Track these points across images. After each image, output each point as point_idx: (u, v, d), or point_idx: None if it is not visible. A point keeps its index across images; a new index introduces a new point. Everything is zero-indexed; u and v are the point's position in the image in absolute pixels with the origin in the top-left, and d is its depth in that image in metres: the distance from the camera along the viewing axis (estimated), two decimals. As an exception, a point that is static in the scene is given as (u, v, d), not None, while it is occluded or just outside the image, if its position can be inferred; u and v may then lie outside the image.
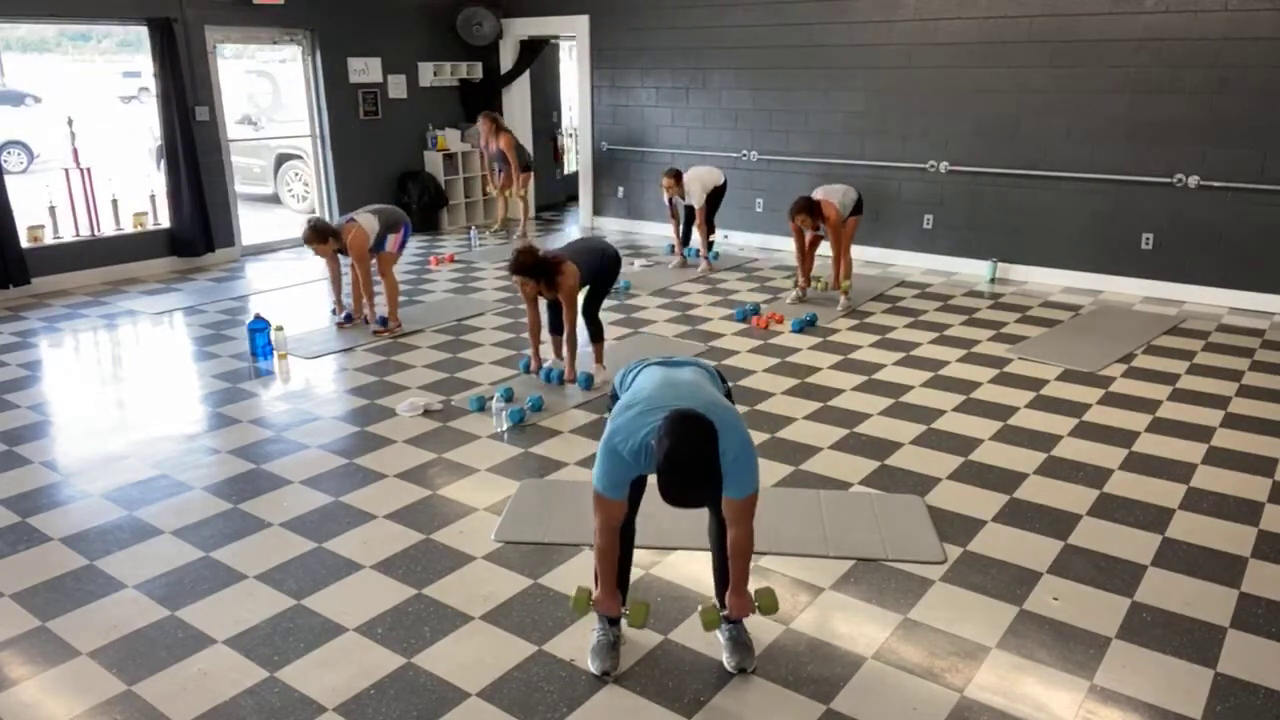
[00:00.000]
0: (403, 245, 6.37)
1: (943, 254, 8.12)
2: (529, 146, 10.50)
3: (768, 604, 2.78)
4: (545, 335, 5.43)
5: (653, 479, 2.53)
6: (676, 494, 2.41)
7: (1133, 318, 6.62)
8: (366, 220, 6.13)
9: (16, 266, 7.29)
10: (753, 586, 2.85)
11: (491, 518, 3.81)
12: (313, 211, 9.91)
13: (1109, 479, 4.12)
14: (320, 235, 6.11)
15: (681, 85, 9.17)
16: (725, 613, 2.80)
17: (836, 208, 6.58)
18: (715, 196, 7.96)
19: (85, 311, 7.00)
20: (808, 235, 6.80)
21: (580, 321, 5.26)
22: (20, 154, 15.27)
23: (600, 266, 5.19)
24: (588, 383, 5.21)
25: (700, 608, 2.83)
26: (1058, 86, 7.23)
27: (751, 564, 3.19)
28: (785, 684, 2.80)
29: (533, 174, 9.81)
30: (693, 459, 2.37)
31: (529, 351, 5.44)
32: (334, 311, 6.60)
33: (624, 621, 2.88)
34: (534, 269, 4.86)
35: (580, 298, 5.20)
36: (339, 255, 6.35)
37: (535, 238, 9.50)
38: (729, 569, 2.78)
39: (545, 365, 5.38)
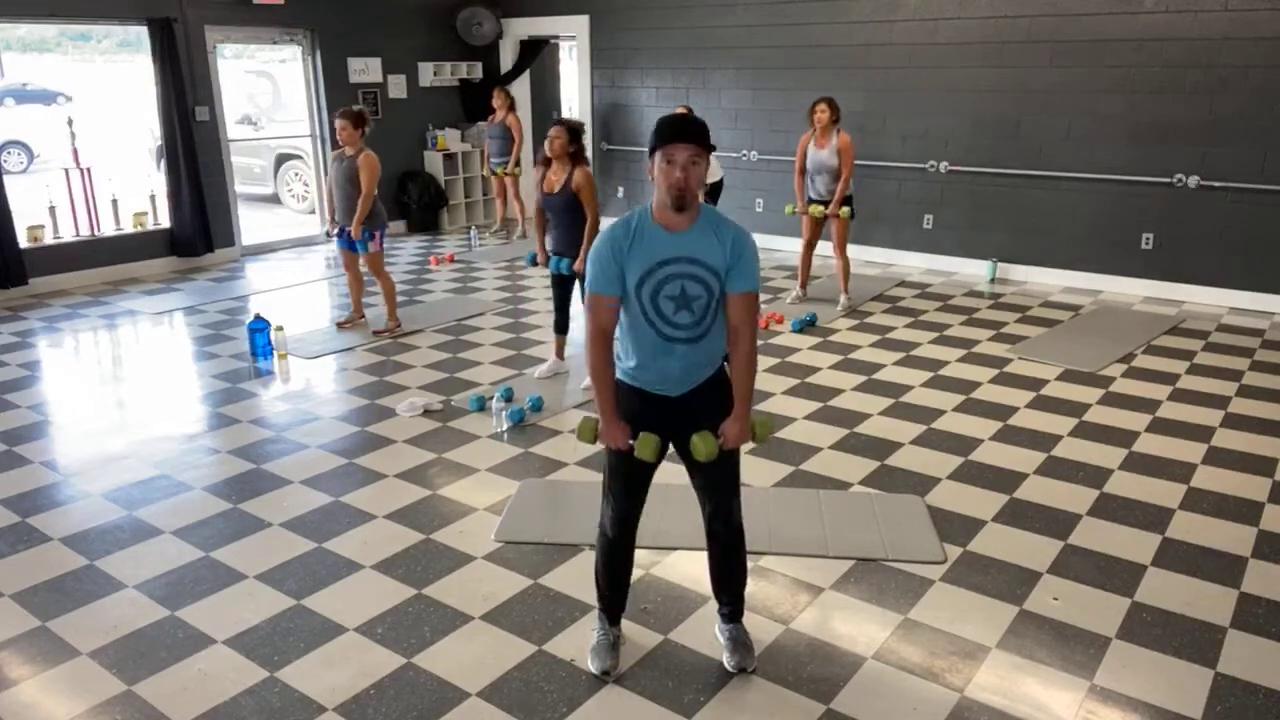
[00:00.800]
0: (380, 242, 6.28)
1: (943, 254, 8.12)
2: (529, 146, 10.49)
3: (763, 431, 2.71)
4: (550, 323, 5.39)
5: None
6: (677, 124, 2.47)
7: (1133, 318, 6.62)
8: None
9: (16, 266, 7.29)
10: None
11: (491, 518, 3.81)
12: (312, 212, 9.92)
13: (1109, 479, 4.11)
14: (358, 119, 6.00)
15: (681, 85, 9.17)
16: (722, 441, 2.64)
17: (850, 139, 6.52)
18: (713, 192, 7.96)
19: (85, 311, 7.00)
20: (809, 184, 6.71)
21: (582, 320, 5.26)
22: (20, 154, 15.27)
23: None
24: (558, 266, 5.17)
25: (694, 439, 2.62)
26: (1058, 86, 7.23)
27: (751, 563, 3.20)
28: (785, 684, 2.80)
29: (521, 170, 9.83)
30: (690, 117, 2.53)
31: (536, 249, 5.37)
32: (328, 233, 6.53)
33: (632, 452, 2.64)
34: (577, 133, 4.92)
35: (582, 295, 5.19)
36: (361, 273, 6.36)
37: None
38: (733, 384, 2.64)
39: (554, 258, 5.21)
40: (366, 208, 6.04)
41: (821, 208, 6.64)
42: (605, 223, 2.69)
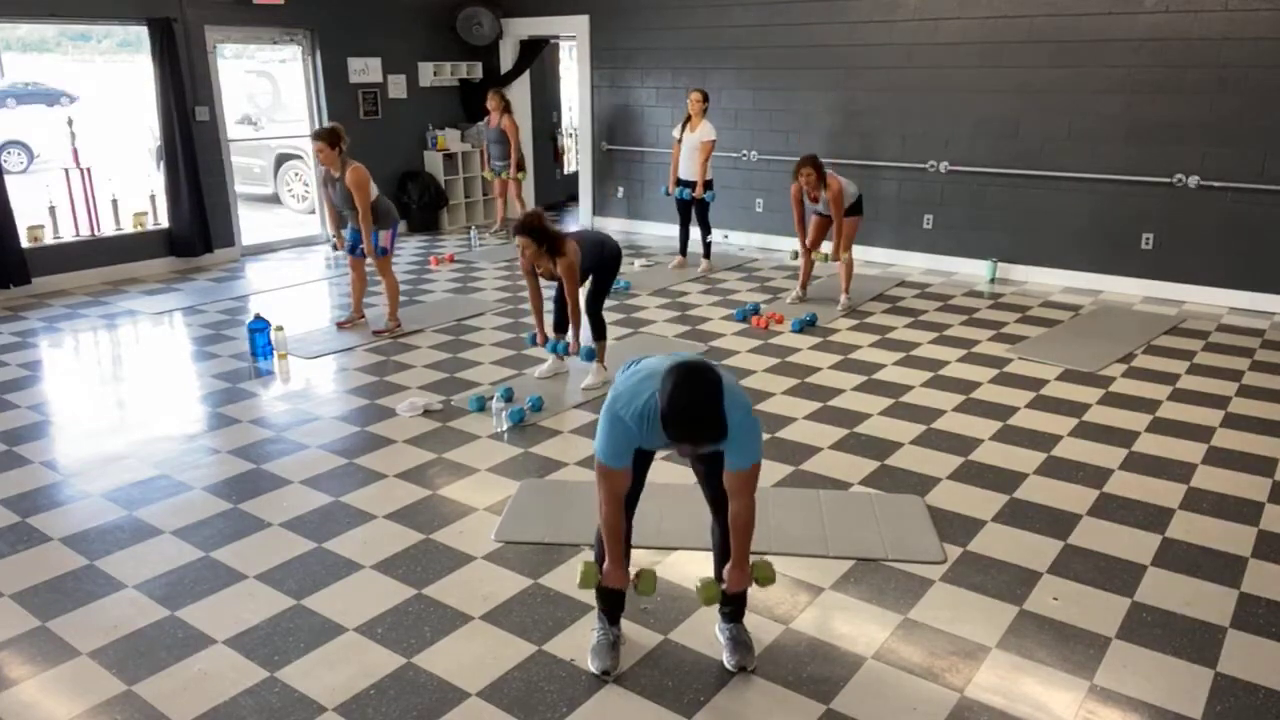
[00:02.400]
0: (392, 242, 6.29)
1: (943, 254, 8.12)
2: (529, 147, 10.51)
3: (764, 575, 2.75)
4: (548, 322, 5.43)
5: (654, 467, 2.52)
6: (681, 430, 2.33)
7: (1133, 318, 6.62)
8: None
9: (16, 266, 7.29)
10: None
11: (491, 518, 3.81)
12: (312, 212, 9.91)
13: (1109, 479, 4.12)
14: (332, 136, 5.89)
15: (682, 85, 9.16)
16: (724, 586, 2.72)
17: (841, 181, 6.57)
18: (705, 188, 7.95)
19: (85, 311, 7.00)
20: (810, 218, 6.76)
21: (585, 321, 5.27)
22: (20, 154, 15.27)
23: (600, 256, 5.20)
24: (590, 355, 5.25)
25: (699, 582, 2.78)
26: (1058, 86, 7.23)
27: (751, 560, 3.19)
28: (785, 684, 2.80)
29: (527, 174, 9.84)
30: (697, 394, 2.32)
31: (534, 326, 5.44)
32: (334, 246, 6.58)
33: (634, 590, 2.78)
34: (538, 233, 4.85)
35: (582, 293, 5.21)
36: (366, 272, 6.37)
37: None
38: (729, 544, 2.71)
39: (551, 339, 5.33)
40: (368, 224, 6.07)
41: (824, 255, 6.86)
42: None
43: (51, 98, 21.54)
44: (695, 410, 2.32)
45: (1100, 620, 3.09)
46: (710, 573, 2.91)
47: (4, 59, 23.78)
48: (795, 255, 7.01)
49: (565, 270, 4.96)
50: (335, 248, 6.54)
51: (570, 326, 5.22)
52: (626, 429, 2.52)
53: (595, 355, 5.26)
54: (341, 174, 5.94)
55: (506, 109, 9.26)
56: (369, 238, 6.05)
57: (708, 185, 7.83)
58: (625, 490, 2.65)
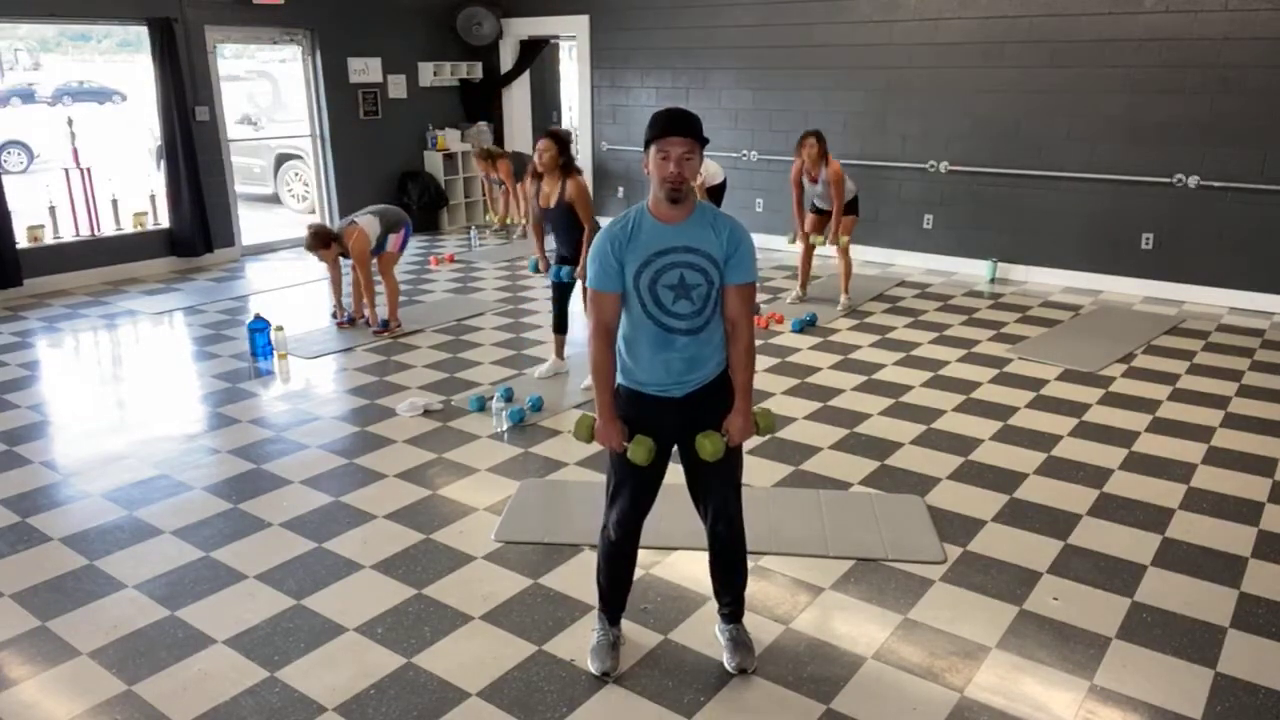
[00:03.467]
0: (404, 245, 6.38)
1: (943, 254, 8.12)
2: (529, 147, 10.49)
3: (766, 423, 2.71)
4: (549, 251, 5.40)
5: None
6: (673, 117, 2.49)
7: (1133, 318, 6.62)
8: (368, 222, 6.13)
9: (15, 267, 7.28)
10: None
11: (491, 518, 3.81)
12: (313, 211, 9.91)
13: (1109, 479, 4.11)
14: (322, 240, 6.11)
15: (681, 85, 9.17)
16: (727, 438, 2.64)
17: (842, 166, 6.56)
18: (714, 194, 7.95)
19: (85, 311, 7.00)
20: (808, 205, 6.74)
21: (582, 320, 5.27)
22: (20, 154, 15.27)
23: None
24: (558, 275, 5.19)
25: (699, 438, 2.62)
26: (1058, 86, 7.23)
27: (751, 563, 3.20)
28: (785, 684, 2.80)
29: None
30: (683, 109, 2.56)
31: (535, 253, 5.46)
32: (334, 315, 6.58)
33: (626, 454, 2.65)
34: (564, 142, 4.90)
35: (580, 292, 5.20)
36: (341, 258, 6.34)
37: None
38: (733, 379, 2.66)
39: (554, 267, 5.25)
40: (370, 294, 6.33)
41: (821, 238, 6.77)
42: (605, 223, 2.69)
43: (103, 96, 21.86)
44: (681, 110, 2.56)
45: (1100, 620, 3.09)
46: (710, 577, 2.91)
47: (46, 59, 24.09)
48: (793, 239, 6.98)
49: (576, 190, 4.90)
50: (335, 316, 6.57)
51: (582, 255, 4.95)
52: (613, 237, 2.55)
53: (561, 275, 5.15)
54: (343, 249, 6.16)
55: (493, 161, 9.25)
56: (372, 305, 6.35)
57: (718, 193, 7.87)
58: (614, 322, 2.61)
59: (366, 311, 6.42)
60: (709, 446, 2.60)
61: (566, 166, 4.92)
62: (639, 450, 2.61)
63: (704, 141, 2.51)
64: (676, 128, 2.47)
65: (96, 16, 7.86)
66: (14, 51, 24.72)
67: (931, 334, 6.26)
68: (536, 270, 5.47)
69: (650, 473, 2.71)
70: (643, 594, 3.23)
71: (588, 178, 10.21)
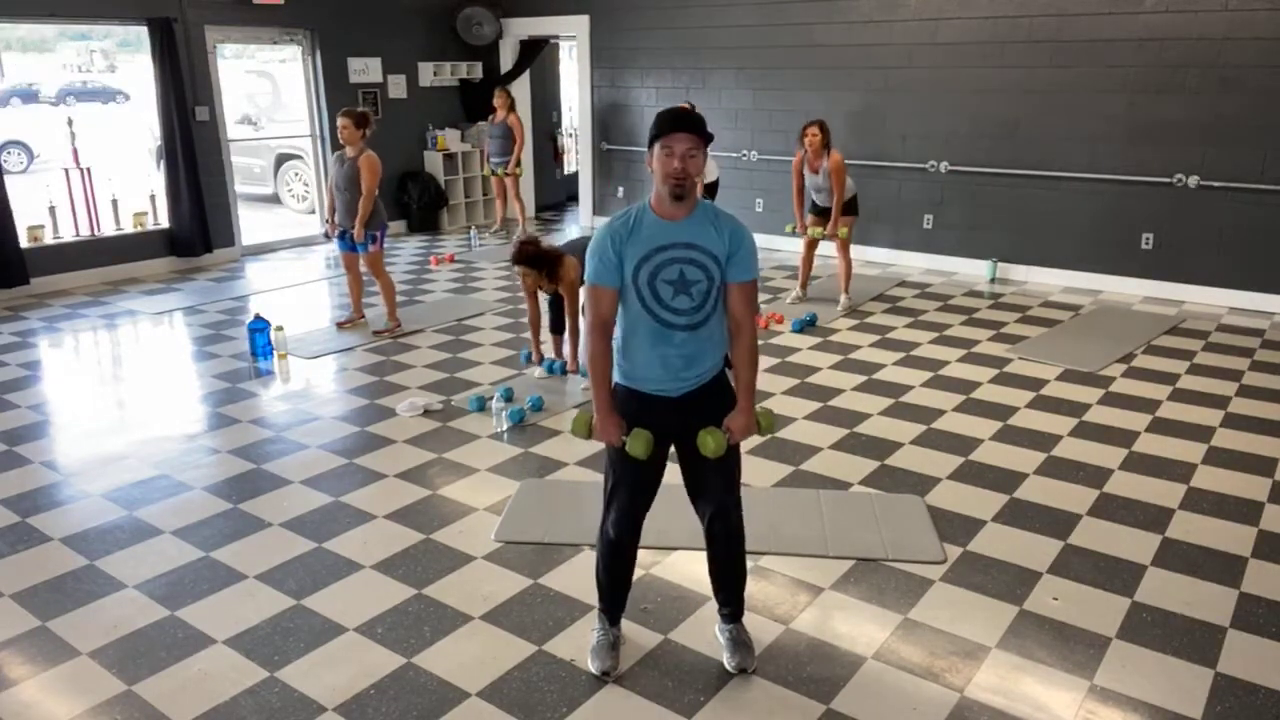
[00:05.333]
0: (381, 241, 6.28)
1: (943, 254, 8.12)
2: (529, 147, 10.49)
3: (767, 423, 2.71)
4: (545, 334, 5.45)
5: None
6: (676, 116, 2.50)
7: (1133, 318, 6.62)
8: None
9: (16, 266, 7.28)
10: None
11: (491, 518, 3.81)
12: (312, 211, 9.91)
13: (1109, 479, 4.11)
14: (361, 119, 6.00)
15: (681, 85, 9.17)
16: (729, 435, 2.64)
17: (843, 159, 6.56)
18: (709, 192, 7.95)
19: (85, 311, 7.00)
20: (808, 200, 6.74)
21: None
22: (20, 154, 15.27)
23: None
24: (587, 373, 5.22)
25: (701, 434, 2.61)
26: (1058, 86, 7.23)
27: (751, 564, 3.20)
28: (785, 684, 2.80)
29: (523, 170, 9.87)
30: (686, 109, 2.59)
31: (529, 344, 5.50)
32: (326, 235, 6.57)
33: (625, 448, 2.64)
34: (535, 260, 4.95)
35: (582, 294, 5.20)
36: (361, 273, 6.39)
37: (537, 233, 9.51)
38: (735, 378, 2.66)
39: (547, 359, 5.41)
40: (368, 209, 6.04)
41: (820, 229, 6.72)
42: (603, 222, 2.69)
43: (106, 96, 21.93)
44: (683, 110, 2.58)
45: (1100, 620, 3.09)
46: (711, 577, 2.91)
47: (4, 59, 24.09)
48: (792, 230, 6.96)
49: (567, 290, 5.04)
50: (327, 235, 6.54)
51: (569, 344, 5.24)
52: (614, 232, 2.56)
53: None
54: (358, 155, 5.99)
55: (512, 106, 9.29)
56: (362, 224, 6.05)
57: (711, 191, 7.85)
58: (612, 316, 2.62)
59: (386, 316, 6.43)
60: (711, 443, 2.59)
61: (551, 271, 5.00)
62: (637, 443, 2.60)
63: (708, 139, 2.52)
64: (682, 125, 2.48)
65: (96, 16, 7.86)
66: (89, 53, 24.90)
67: (931, 334, 6.26)
68: (529, 362, 5.51)
69: (648, 472, 2.71)
70: (643, 594, 3.23)
71: (586, 177, 10.25)
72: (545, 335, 5.47)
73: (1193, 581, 3.31)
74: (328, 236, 6.54)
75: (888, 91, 8.03)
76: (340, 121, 5.98)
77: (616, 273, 2.56)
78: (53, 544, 3.64)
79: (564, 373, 5.34)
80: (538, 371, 5.45)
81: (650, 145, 2.52)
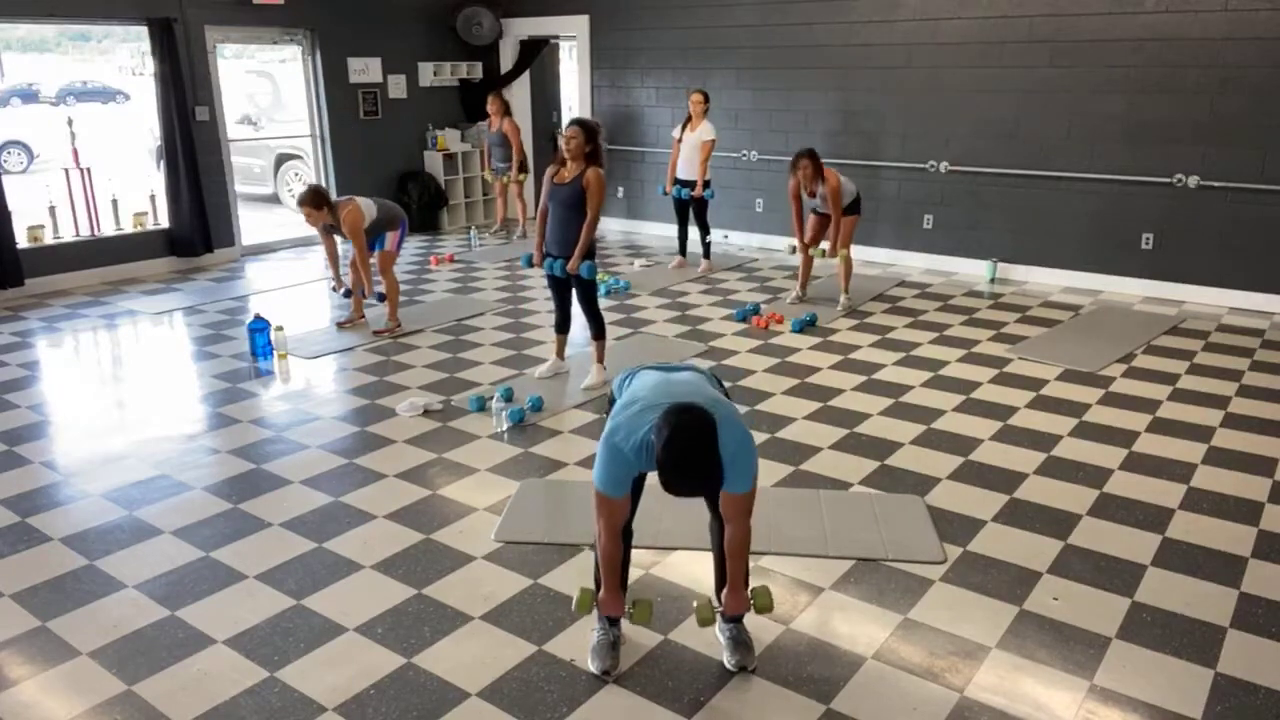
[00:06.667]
0: (400, 244, 6.37)
1: (943, 254, 8.12)
2: (529, 147, 10.49)
3: (763, 603, 2.78)
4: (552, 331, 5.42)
5: (653, 475, 2.54)
6: (675, 484, 2.43)
7: (1133, 318, 6.62)
8: (365, 203, 6.12)
9: (11, 267, 7.28)
10: (751, 584, 2.86)
11: (491, 518, 3.81)
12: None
13: (1109, 479, 4.11)
14: (316, 199, 6.00)
15: (682, 85, 9.16)
16: (720, 609, 2.79)
17: (839, 177, 6.56)
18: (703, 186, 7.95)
19: (85, 311, 7.00)
20: (808, 216, 6.75)
21: (581, 320, 5.28)
22: (20, 154, 15.27)
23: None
24: (591, 271, 5.03)
25: (695, 603, 2.83)
26: (1058, 86, 7.23)
27: (751, 563, 3.19)
28: (785, 684, 2.80)
29: (529, 174, 9.83)
30: (692, 450, 2.38)
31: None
32: (334, 288, 6.59)
33: (627, 620, 2.86)
34: (593, 131, 4.94)
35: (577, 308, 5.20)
36: (335, 234, 6.28)
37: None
38: (726, 567, 2.78)
39: (548, 260, 5.16)
40: (366, 270, 6.27)
41: (821, 251, 6.78)
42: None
43: (106, 96, 21.97)
44: (687, 465, 2.39)
45: (1100, 620, 3.09)
46: (711, 578, 2.91)
47: (4, 59, 24.14)
48: (793, 250, 6.99)
49: (595, 177, 4.89)
50: (335, 289, 6.58)
51: (579, 245, 4.97)
52: (626, 460, 2.57)
53: (594, 271, 5.07)
54: (336, 223, 6.08)
55: (507, 111, 9.27)
56: (369, 282, 6.34)
57: (706, 185, 7.82)
58: (624, 520, 2.72)
59: (365, 288, 6.37)
60: (701, 617, 2.79)
61: (593, 155, 4.92)
62: (641, 614, 2.79)
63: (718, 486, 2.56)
64: (678, 488, 2.46)
65: (96, 16, 7.86)
66: (141, 55, 25.13)
67: (931, 334, 6.26)
68: (530, 264, 5.38)
69: (634, 486, 2.75)
70: (643, 594, 3.22)
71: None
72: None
73: (1193, 581, 3.31)
74: (335, 289, 6.60)
75: (888, 91, 8.03)
76: (303, 211, 6.05)
77: (628, 486, 2.65)
78: (53, 544, 3.64)
79: (564, 273, 5.06)
80: (539, 371, 5.45)
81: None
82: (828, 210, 6.63)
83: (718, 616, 2.87)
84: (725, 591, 2.78)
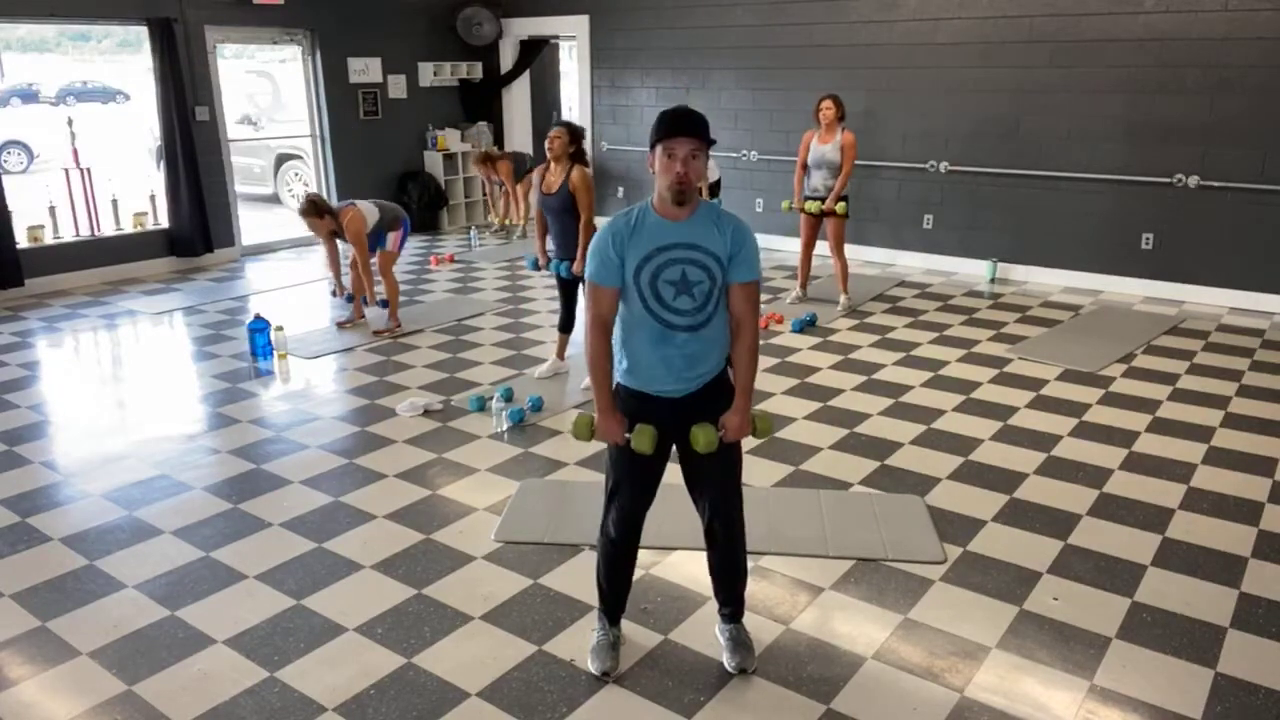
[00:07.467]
0: (402, 243, 6.38)
1: (943, 254, 8.12)
2: (529, 147, 10.50)
3: (764, 426, 2.70)
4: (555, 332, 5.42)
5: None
6: (681, 118, 2.47)
7: (1133, 318, 6.62)
8: (365, 206, 6.13)
9: (10, 267, 7.28)
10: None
11: (491, 518, 3.81)
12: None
13: (1109, 479, 4.11)
14: (317, 209, 6.06)
15: (681, 85, 9.17)
16: (723, 433, 2.63)
17: (855, 139, 6.55)
18: (711, 192, 7.95)
19: (85, 311, 7.00)
20: (804, 198, 6.70)
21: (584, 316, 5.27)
22: (20, 154, 15.27)
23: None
24: (558, 269, 5.15)
25: (694, 429, 2.59)
26: (1058, 86, 7.23)
27: (751, 563, 3.20)
28: (785, 684, 2.80)
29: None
30: (689, 109, 2.53)
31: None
32: (334, 293, 6.62)
33: (629, 444, 2.62)
34: (576, 131, 5.00)
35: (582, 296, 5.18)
36: (336, 239, 6.30)
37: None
38: (734, 378, 2.66)
39: (554, 261, 5.20)
40: (369, 277, 6.33)
41: (818, 203, 6.63)
42: (602, 222, 2.69)
43: (106, 96, 22.01)
44: (688, 110, 2.52)
45: (1100, 620, 3.09)
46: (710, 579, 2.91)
47: (4, 59, 24.14)
48: (789, 207, 6.91)
49: (579, 178, 4.90)
50: (335, 294, 6.62)
51: (580, 247, 4.96)
52: (616, 232, 2.55)
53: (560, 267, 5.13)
54: (339, 228, 6.12)
55: (491, 163, 9.40)
56: (371, 290, 6.44)
57: (714, 190, 7.84)
58: (611, 316, 2.62)
59: (367, 294, 6.44)
60: (701, 437, 2.58)
61: (576, 155, 4.96)
62: (642, 439, 2.58)
63: (710, 142, 2.51)
64: (683, 128, 2.46)
65: (96, 16, 7.86)
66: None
67: (931, 334, 6.26)
68: (536, 267, 5.41)
69: (649, 470, 2.71)
70: (643, 594, 3.23)
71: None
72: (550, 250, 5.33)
73: (1193, 581, 3.31)
74: (335, 294, 6.66)
75: (887, 91, 8.03)
76: (306, 222, 6.12)
77: (617, 273, 2.56)
78: (53, 544, 3.64)
79: (570, 274, 5.09)
80: (539, 371, 5.45)
81: (652, 147, 2.51)
82: (829, 180, 6.53)
83: (719, 441, 2.63)
84: (729, 413, 2.63)
